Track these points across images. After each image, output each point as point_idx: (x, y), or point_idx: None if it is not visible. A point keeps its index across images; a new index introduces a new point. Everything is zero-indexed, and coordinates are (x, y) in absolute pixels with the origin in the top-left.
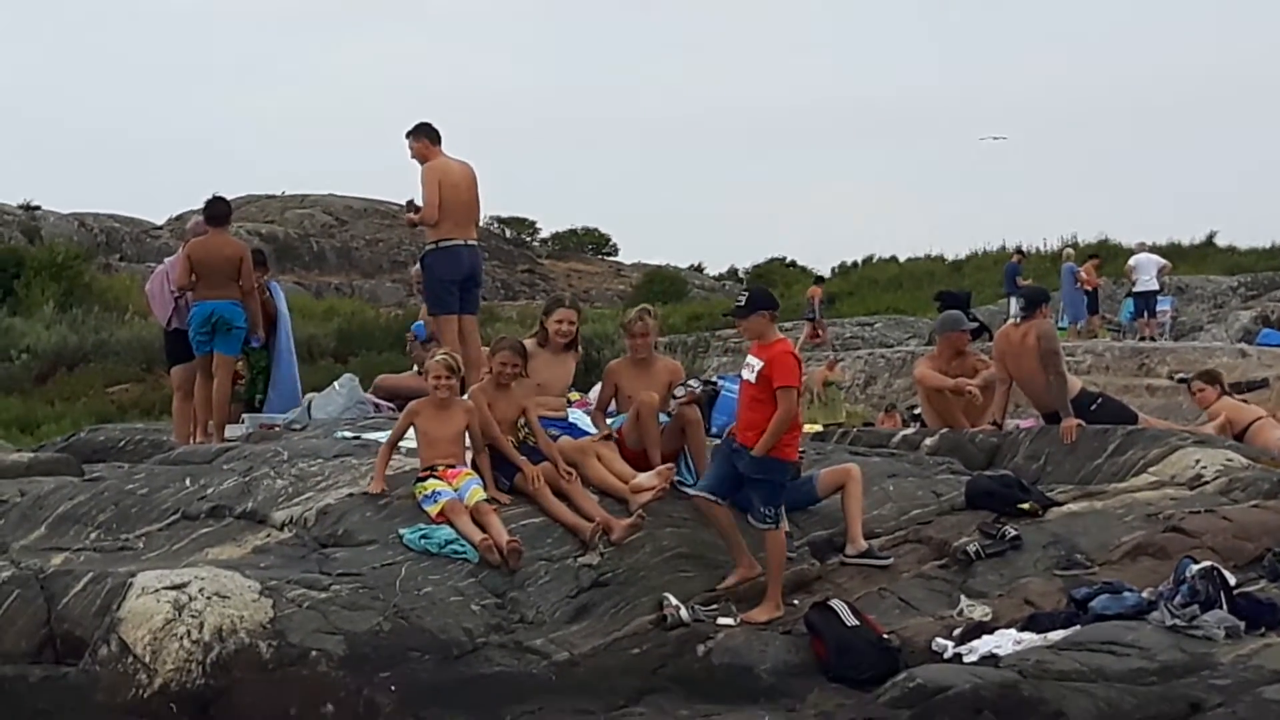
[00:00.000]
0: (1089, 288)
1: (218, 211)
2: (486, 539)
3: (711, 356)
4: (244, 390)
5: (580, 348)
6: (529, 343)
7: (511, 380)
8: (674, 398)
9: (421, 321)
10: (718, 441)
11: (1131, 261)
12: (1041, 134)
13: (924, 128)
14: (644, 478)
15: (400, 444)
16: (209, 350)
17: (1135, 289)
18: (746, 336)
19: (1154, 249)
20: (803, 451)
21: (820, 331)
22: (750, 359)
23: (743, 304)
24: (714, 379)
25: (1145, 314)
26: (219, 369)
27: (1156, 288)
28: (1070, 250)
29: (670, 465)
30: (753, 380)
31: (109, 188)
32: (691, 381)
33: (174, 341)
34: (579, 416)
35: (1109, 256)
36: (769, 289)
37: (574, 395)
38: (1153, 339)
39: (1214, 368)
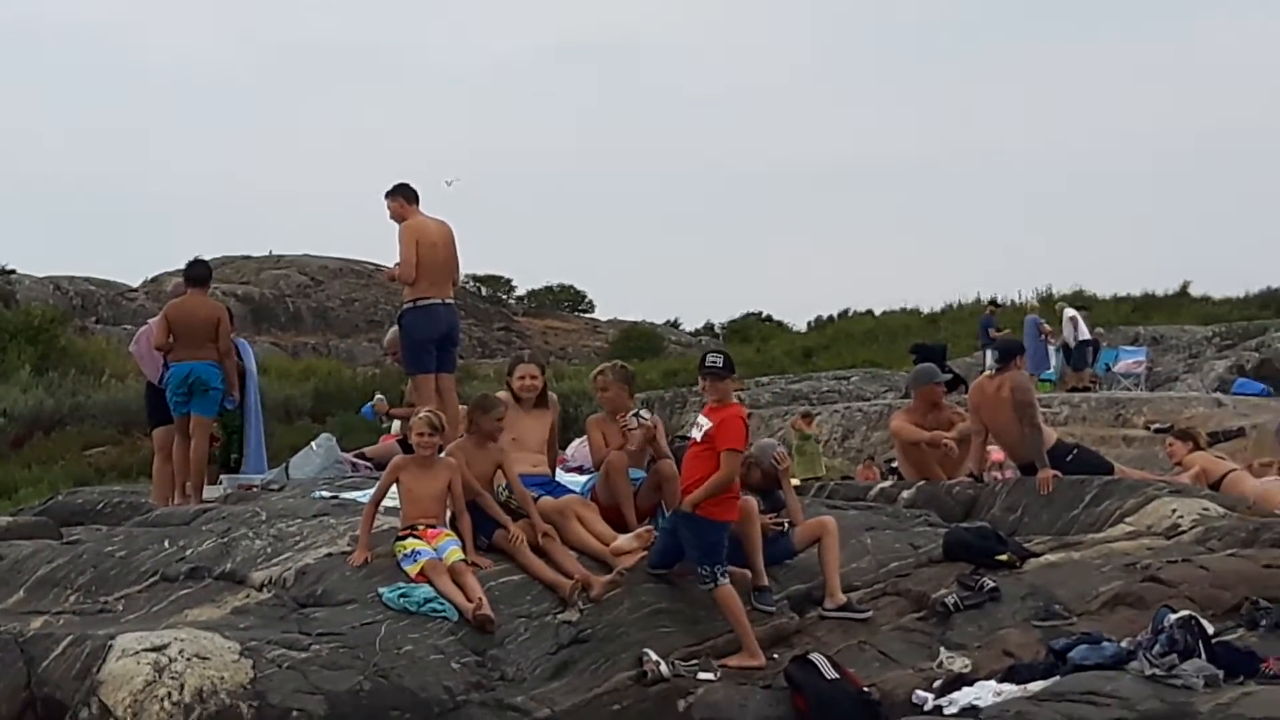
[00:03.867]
0: (1050, 340)
1: (197, 273)
2: (475, 604)
3: (689, 411)
4: (219, 452)
5: (554, 402)
6: (504, 396)
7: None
8: (626, 430)
9: (371, 405)
10: None
11: (1073, 313)
12: (1015, 185)
13: (897, 180)
14: (624, 540)
15: (365, 499)
16: (186, 411)
17: (1080, 339)
18: (712, 398)
19: (1129, 299)
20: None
21: None
22: (701, 419)
23: (719, 366)
24: (689, 435)
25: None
26: (196, 430)
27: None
28: (1035, 304)
29: (649, 527)
30: (700, 440)
31: (83, 251)
32: (643, 413)
33: (157, 401)
34: (561, 475)
35: (1083, 307)
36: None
37: None
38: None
39: (1190, 426)
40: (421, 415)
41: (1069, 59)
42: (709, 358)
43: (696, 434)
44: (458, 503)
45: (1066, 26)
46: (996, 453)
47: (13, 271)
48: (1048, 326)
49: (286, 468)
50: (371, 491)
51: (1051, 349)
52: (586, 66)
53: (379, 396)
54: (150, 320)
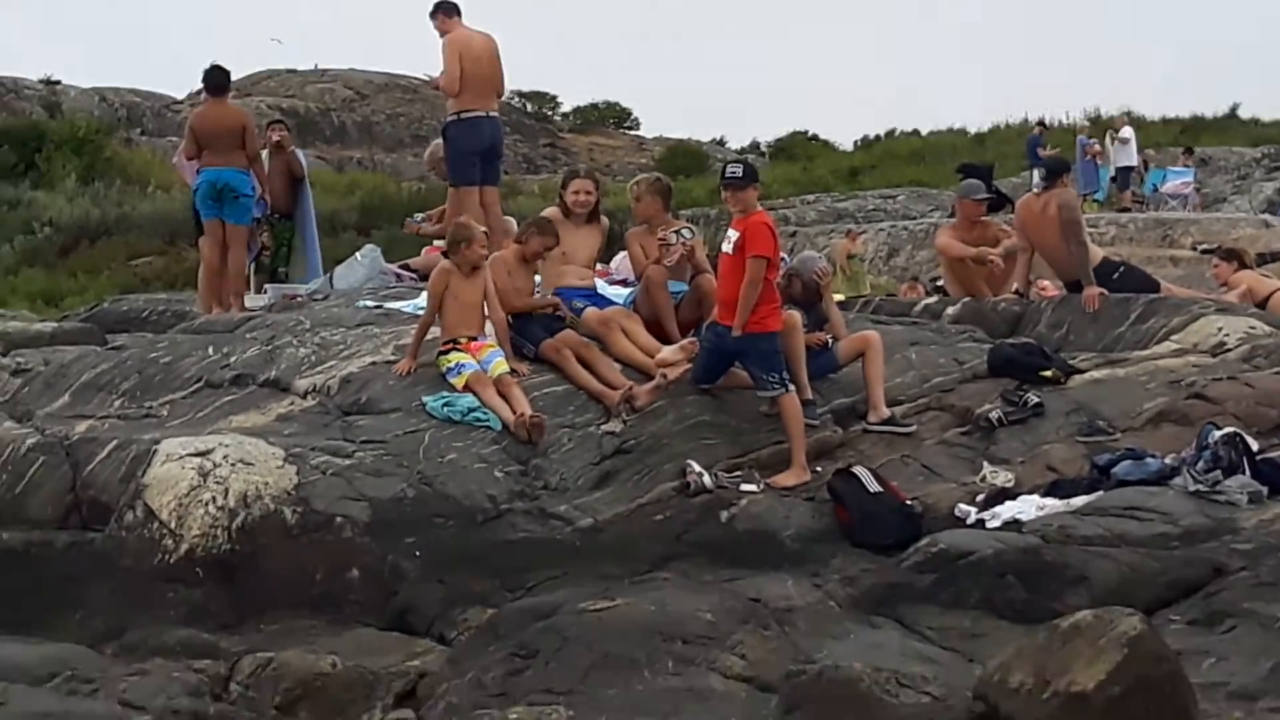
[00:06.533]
0: (1098, 160)
1: (216, 81)
2: (521, 416)
3: (733, 230)
4: (269, 261)
5: (604, 222)
6: (553, 212)
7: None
8: (665, 246)
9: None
10: None
11: (1127, 133)
12: (1064, 5)
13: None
14: (668, 351)
15: (409, 309)
16: (216, 215)
17: (1121, 163)
18: (735, 209)
19: (1178, 120)
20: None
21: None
22: (730, 232)
23: (740, 175)
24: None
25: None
26: (232, 240)
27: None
28: (1086, 124)
29: (693, 339)
30: (731, 252)
31: (129, 62)
32: (684, 230)
33: None
34: (604, 287)
35: (1133, 128)
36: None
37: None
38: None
39: (1236, 246)
40: (477, 226)
41: None
42: (729, 168)
43: (727, 246)
44: (491, 300)
45: None
46: (1052, 289)
47: (58, 82)
48: (1096, 147)
49: (331, 278)
50: (417, 301)
51: (1100, 169)
52: None
53: (419, 217)
54: None
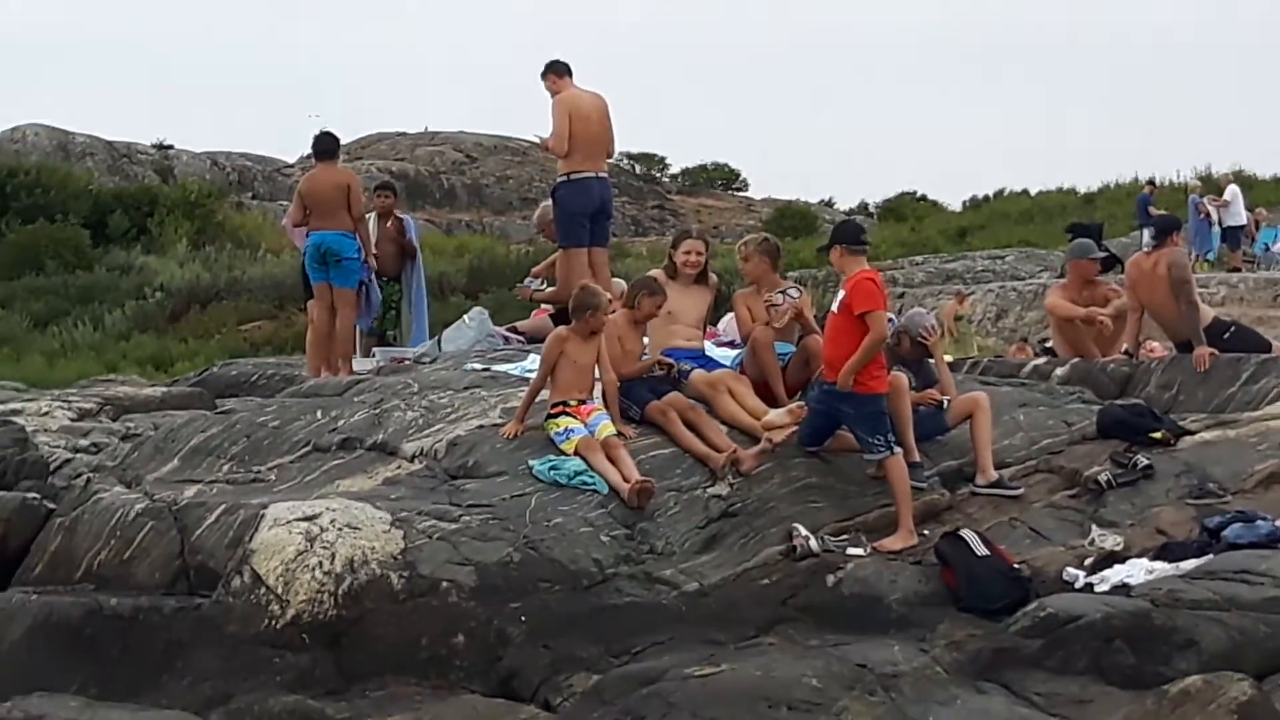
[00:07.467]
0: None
1: (324, 146)
2: (633, 485)
3: (841, 290)
4: (375, 325)
5: (714, 282)
6: (657, 273)
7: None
8: (772, 308)
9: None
10: None
11: (1230, 193)
12: (1176, 64)
13: (1055, 56)
14: (775, 414)
15: (517, 372)
16: (323, 279)
17: (1230, 222)
18: (839, 269)
19: None
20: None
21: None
22: (840, 291)
23: (828, 240)
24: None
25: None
26: (340, 302)
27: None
28: (1197, 182)
29: (801, 404)
30: (836, 311)
31: (241, 127)
32: (790, 290)
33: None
34: (712, 349)
35: (1244, 187)
36: (854, 223)
37: None
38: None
39: None
40: (604, 294)
41: None
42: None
43: (834, 307)
44: (604, 363)
45: None
46: (1160, 350)
47: (171, 147)
48: (1207, 206)
49: (439, 341)
50: (525, 364)
51: (1212, 229)
52: None
53: (529, 282)
54: None
